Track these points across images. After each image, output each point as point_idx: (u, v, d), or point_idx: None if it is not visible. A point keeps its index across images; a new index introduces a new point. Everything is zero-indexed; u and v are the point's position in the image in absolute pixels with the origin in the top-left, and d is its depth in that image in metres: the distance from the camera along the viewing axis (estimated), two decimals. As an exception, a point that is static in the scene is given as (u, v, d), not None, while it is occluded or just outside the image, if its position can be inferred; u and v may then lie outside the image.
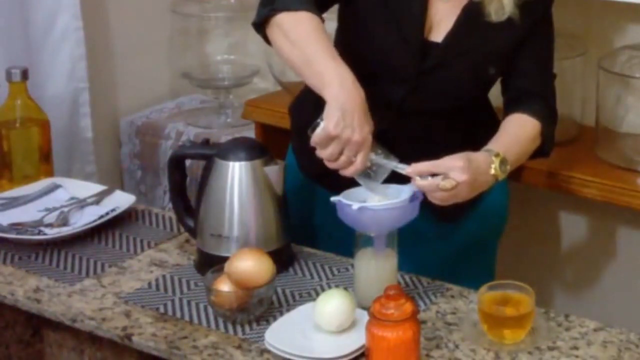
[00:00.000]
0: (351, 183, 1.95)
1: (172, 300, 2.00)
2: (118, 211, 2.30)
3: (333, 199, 1.93)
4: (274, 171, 2.06)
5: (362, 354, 1.77)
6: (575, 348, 1.83)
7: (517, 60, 2.14)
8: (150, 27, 3.27)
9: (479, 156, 1.97)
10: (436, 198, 1.92)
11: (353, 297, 1.87)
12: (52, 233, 2.22)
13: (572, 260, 2.91)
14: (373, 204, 1.92)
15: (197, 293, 2.02)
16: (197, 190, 2.11)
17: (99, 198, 2.36)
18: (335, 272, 2.10)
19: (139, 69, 3.26)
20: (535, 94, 2.16)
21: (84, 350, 2.07)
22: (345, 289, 1.94)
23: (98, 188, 2.42)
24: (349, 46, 2.10)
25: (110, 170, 3.23)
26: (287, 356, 1.79)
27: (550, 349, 1.83)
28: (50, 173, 2.53)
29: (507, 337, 1.83)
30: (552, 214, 2.89)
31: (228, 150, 2.08)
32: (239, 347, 1.85)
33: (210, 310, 1.95)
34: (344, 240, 2.02)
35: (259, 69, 3.19)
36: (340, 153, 1.88)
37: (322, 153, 1.88)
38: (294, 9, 1.96)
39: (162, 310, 1.97)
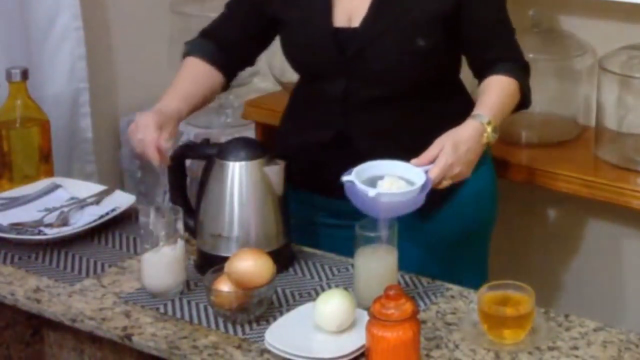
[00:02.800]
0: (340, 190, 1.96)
1: (172, 300, 2.00)
2: (118, 211, 2.30)
3: (345, 179, 1.92)
4: (274, 171, 2.06)
5: (362, 354, 1.77)
6: (575, 348, 1.83)
7: (465, 29, 2.13)
8: (150, 27, 3.26)
9: (468, 128, 2.00)
10: (442, 184, 1.97)
11: (353, 297, 1.87)
12: (52, 233, 2.22)
13: (572, 261, 2.90)
14: (388, 190, 1.89)
15: (197, 293, 2.02)
16: (197, 190, 2.11)
17: (99, 198, 2.36)
18: (335, 272, 2.10)
19: (139, 69, 3.26)
20: (499, 59, 2.14)
21: (84, 350, 2.07)
22: (345, 289, 1.94)
23: (98, 188, 2.42)
24: (288, 56, 2.22)
25: (110, 170, 3.23)
26: (287, 356, 1.79)
27: (550, 349, 1.83)
28: (50, 173, 2.53)
29: (507, 337, 1.83)
30: (552, 213, 2.89)
31: (228, 150, 2.08)
32: (239, 347, 1.85)
33: (210, 310, 1.95)
34: (344, 240, 2.02)
35: (259, 69, 3.19)
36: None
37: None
38: (188, 55, 2.27)
39: (162, 310, 1.97)
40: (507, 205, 2.90)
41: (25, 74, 2.50)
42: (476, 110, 2.05)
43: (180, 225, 2.01)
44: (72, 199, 2.36)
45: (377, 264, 1.95)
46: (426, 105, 2.15)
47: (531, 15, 2.70)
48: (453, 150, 1.96)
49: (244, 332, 1.89)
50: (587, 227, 2.84)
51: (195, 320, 1.94)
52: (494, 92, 2.10)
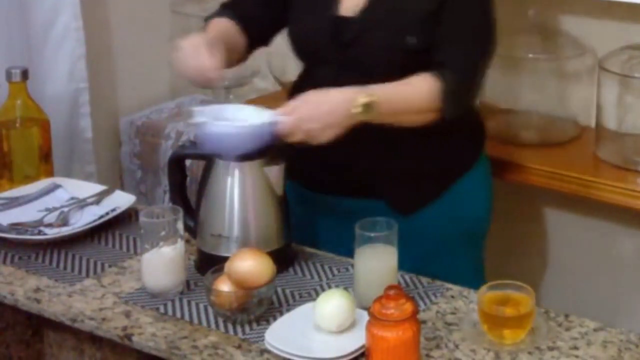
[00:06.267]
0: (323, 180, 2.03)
1: (172, 300, 2.00)
2: (118, 211, 2.30)
3: (196, 119, 1.98)
4: (274, 171, 2.06)
5: (362, 354, 1.77)
6: (575, 348, 1.83)
7: (438, 30, 2.12)
8: (150, 27, 3.26)
9: (342, 93, 2.00)
10: (296, 137, 1.99)
11: (353, 297, 1.87)
12: (52, 233, 2.22)
13: (572, 260, 2.90)
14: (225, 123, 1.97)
15: (197, 293, 2.02)
16: (197, 190, 2.11)
17: (99, 198, 2.36)
18: (335, 272, 2.10)
19: (139, 69, 3.26)
20: (442, 63, 2.11)
21: (84, 350, 2.07)
22: (345, 289, 1.94)
23: (98, 188, 2.42)
24: (289, 36, 2.25)
25: (110, 170, 3.23)
26: (287, 356, 1.79)
27: (550, 349, 1.83)
28: (50, 173, 2.53)
29: (507, 337, 1.83)
30: (552, 213, 2.89)
31: (228, 150, 2.08)
32: (239, 347, 1.85)
33: (210, 310, 1.95)
34: (345, 240, 2.02)
35: (259, 69, 3.19)
36: None
37: None
38: (211, 19, 2.25)
39: (162, 310, 1.97)
40: (507, 205, 2.91)
41: (25, 74, 2.50)
42: (370, 86, 2.04)
43: (180, 225, 2.02)
44: (72, 199, 2.36)
45: (377, 264, 1.95)
46: None
47: (531, 15, 2.70)
48: (314, 106, 1.98)
49: (244, 332, 1.89)
50: (586, 227, 2.84)
51: (195, 320, 1.94)
52: (401, 83, 2.07)
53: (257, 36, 2.28)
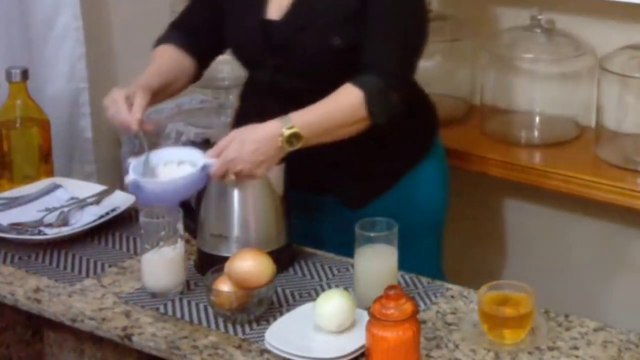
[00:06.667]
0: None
1: (172, 300, 2.00)
2: (118, 211, 2.30)
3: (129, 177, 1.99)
4: (274, 171, 2.06)
5: (362, 354, 1.77)
6: (575, 348, 1.83)
7: (364, 30, 2.11)
8: (150, 27, 3.26)
9: (266, 128, 2.01)
10: (229, 178, 2.01)
11: (353, 297, 1.87)
12: (52, 233, 2.22)
13: (572, 260, 2.90)
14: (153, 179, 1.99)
15: (197, 293, 2.02)
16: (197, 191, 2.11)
17: (99, 198, 2.36)
18: (335, 272, 2.10)
19: (139, 69, 3.25)
20: (367, 66, 2.09)
21: (84, 350, 2.07)
22: (345, 289, 1.94)
23: (98, 188, 2.42)
24: (227, 43, 2.29)
25: (110, 170, 3.23)
26: (287, 356, 1.79)
27: (550, 349, 1.83)
28: (50, 173, 2.53)
29: (507, 337, 1.83)
30: (552, 213, 2.89)
31: (228, 150, 2.08)
32: (239, 347, 1.85)
33: (210, 310, 1.95)
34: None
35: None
36: None
37: None
38: (159, 43, 2.34)
39: (162, 310, 1.97)
40: (506, 205, 2.91)
41: (25, 74, 2.50)
42: (291, 114, 2.03)
43: (180, 225, 2.02)
44: (72, 199, 2.36)
45: (377, 264, 1.95)
46: None
47: (531, 15, 2.70)
48: (238, 147, 1.98)
49: (244, 332, 1.89)
50: (587, 227, 2.84)
51: (195, 320, 1.94)
52: (323, 102, 2.06)
53: (208, 49, 2.33)
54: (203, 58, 2.33)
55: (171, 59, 2.28)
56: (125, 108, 2.07)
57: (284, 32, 2.14)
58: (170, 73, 2.25)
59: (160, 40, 2.34)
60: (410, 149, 2.25)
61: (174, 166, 2.03)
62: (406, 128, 2.20)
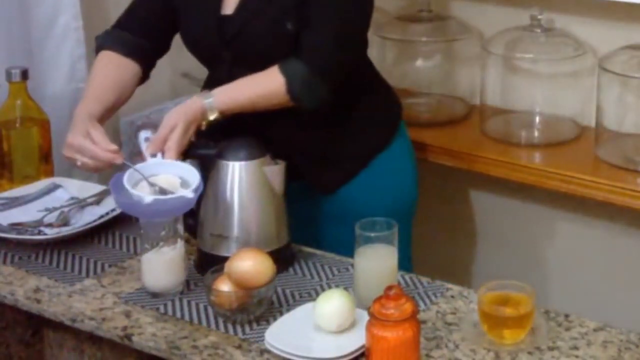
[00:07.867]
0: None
1: (172, 300, 2.00)
2: (118, 211, 2.30)
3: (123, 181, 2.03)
4: (274, 171, 2.06)
5: (362, 354, 1.77)
6: (575, 348, 1.83)
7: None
8: (150, 27, 3.26)
9: (197, 106, 2.12)
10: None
11: (353, 297, 1.87)
12: (52, 233, 2.22)
13: (571, 260, 2.90)
14: (161, 196, 1.99)
15: (197, 293, 2.02)
16: (197, 190, 2.11)
17: (99, 198, 2.36)
18: (335, 272, 2.10)
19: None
20: (302, 50, 2.13)
21: (84, 350, 2.07)
22: (345, 289, 1.94)
23: (98, 188, 2.42)
24: (182, 40, 2.31)
25: (110, 170, 3.22)
26: (287, 356, 1.79)
27: (550, 349, 1.83)
28: (50, 173, 2.53)
29: (507, 337, 1.83)
30: (552, 213, 2.89)
31: (228, 150, 2.08)
32: (239, 347, 1.85)
33: (210, 310, 1.95)
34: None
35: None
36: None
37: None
38: (102, 49, 2.32)
39: (162, 310, 1.97)
40: (506, 205, 2.91)
41: (25, 74, 2.50)
42: (215, 90, 2.12)
43: (180, 225, 2.02)
44: (72, 199, 2.36)
45: (377, 264, 1.95)
46: None
47: (531, 15, 2.70)
48: (184, 132, 2.08)
49: (244, 332, 1.89)
50: (587, 227, 2.84)
51: (195, 320, 1.94)
52: (249, 84, 2.14)
53: (155, 49, 2.34)
54: (149, 59, 2.34)
55: (113, 70, 2.27)
56: (97, 150, 2.09)
57: (238, 23, 2.17)
58: (118, 81, 2.26)
59: (103, 42, 2.32)
60: (374, 134, 2.30)
61: (146, 184, 2.03)
62: (368, 114, 2.27)
